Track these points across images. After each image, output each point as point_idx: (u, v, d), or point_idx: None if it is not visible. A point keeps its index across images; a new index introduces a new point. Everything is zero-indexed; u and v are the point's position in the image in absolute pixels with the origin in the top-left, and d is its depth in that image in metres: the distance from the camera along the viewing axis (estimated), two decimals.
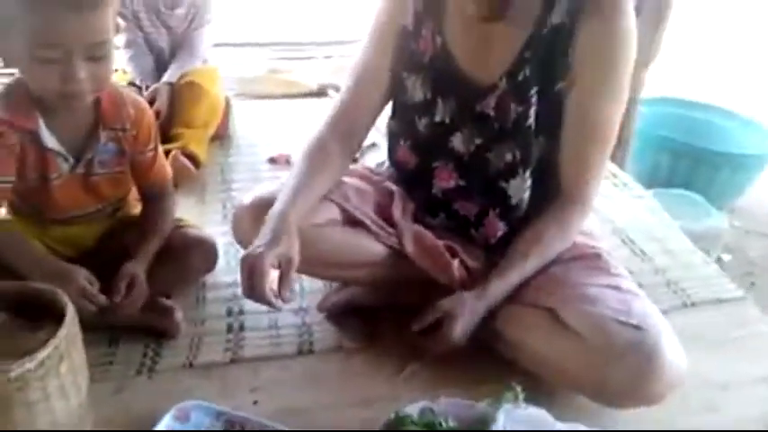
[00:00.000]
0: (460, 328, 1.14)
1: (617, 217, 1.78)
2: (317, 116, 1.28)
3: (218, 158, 2.07)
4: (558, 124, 1.15)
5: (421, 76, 1.21)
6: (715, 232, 2.12)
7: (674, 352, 1.03)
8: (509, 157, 1.18)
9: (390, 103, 1.29)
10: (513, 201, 1.20)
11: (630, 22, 1.08)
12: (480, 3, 1.08)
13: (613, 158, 2.33)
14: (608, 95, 1.12)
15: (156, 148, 1.31)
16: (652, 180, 2.51)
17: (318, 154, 1.23)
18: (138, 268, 1.21)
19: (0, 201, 1.23)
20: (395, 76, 1.24)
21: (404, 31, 1.20)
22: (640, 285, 1.21)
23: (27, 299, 1.03)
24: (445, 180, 1.26)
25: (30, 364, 0.88)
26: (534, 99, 1.12)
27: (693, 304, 1.44)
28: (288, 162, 2.02)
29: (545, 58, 1.10)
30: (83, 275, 1.15)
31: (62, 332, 0.93)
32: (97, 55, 1.08)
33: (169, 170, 1.39)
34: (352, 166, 1.50)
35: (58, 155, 1.20)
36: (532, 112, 1.13)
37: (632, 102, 2.43)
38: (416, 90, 1.22)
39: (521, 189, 1.19)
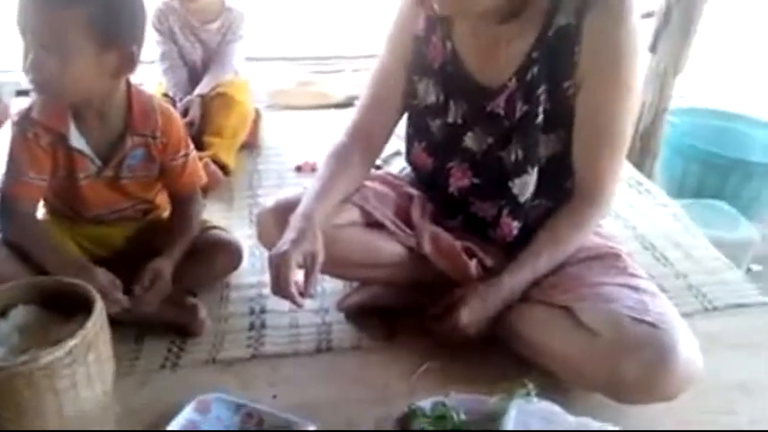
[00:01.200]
0: (467, 313, 1.17)
1: (639, 223, 1.78)
2: (342, 126, 1.32)
3: (246, 166, 2.13)
4: (569, 122, 1.17)
5: (432, 79, 1.24)
6: (745, 242, 2.08)
7: (689, 349, 1.02)
8: (518, 154, 1.19)
9: None
10: (521, 199, 1.22)
11: (635, 20, 1.09)
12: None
13: (642, 168, 2.33)
14: (616, 93, 1.13)
15: (187, 155, 1.36)
16: (682, 190, 2.48)
17: (340, 159, 1.27)
18: (163, 265, 1.26)
19: (37, 198, 1.30)
20: (410, 82, 1.27)
21: (416, 38, 1.24)
22: (662, 289, 1.21)
23: (60, 293, 1.08)
24: (460, 179, 1.28)
25: (59, 352, 0.93)
26: (543, 98, 1.14)
27: (715, 308, 1.43)
28: (313, 170, 2.06)
29: (553, 57, 1.12)
30: (102, 275, 1.20)
31: (89, 323, 0.97)
32: (49, 49, 1.11)
33: (201, 175, 1.44)
34: (373, 172, 1.53)
35: (85, 156, 1.26)
36: (540, 110, 1.15)
37: (661, 111, 2.43)
38: (429, 93, 1.25)
39: (527, 186, 1.21)
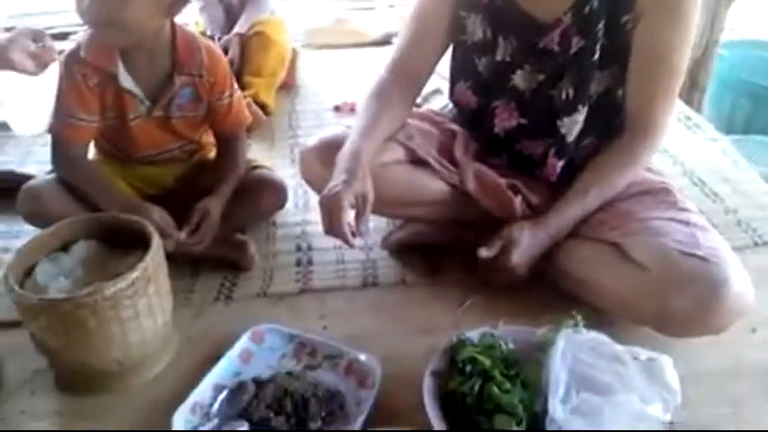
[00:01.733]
0: (518, 254, 1.16)
1: (688, 159, 1.73)
2: (380, 65, 1.30)
3: (285, 107, 2.13)
4: (625, 57, 1.13)
5: (480, 15, 1.20)
6: None
7: (740, 283, 1.01)
8: (569, 92, 1.17)
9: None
10: (569, 138, 1.20)
11: None
12: None
13: (690, 102, 2.25)
14: (675, 27, 1.09)
15: (232, 95, 1.37)
16: (730, 126, 2.40)
17: (381, 97, 1.25)
18: (211, 204, 1.28)
19: (88, 139, 1.32)
20: (454, 18, 1.23)
21: None
22: (711, 225, 1.18)
23: (117, 229, 1.12)
24: (506, 119, 1.26)
25: (122, 283, 0.97)
26: (601, 33, 1.11)
27: (765, 243, 1.40)
28: (352, 110, 2.06)
29: None
30: (157, 212, 1.23)
31: (149, 256, 1.02)
32: None
33: (247, 114, 1.45)
34: (415, 110, 1.52)
35: (134, 96, 1.28)
36: (598, 47, 1.12)
37: (712, 43, 2.33)
38: (476, 29, 1.22)
39: (575, 125, 1.19)
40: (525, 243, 1.17)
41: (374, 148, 1.19)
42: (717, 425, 0.99)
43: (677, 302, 1.01)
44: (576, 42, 1.13)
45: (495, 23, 1.19)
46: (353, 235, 1.12)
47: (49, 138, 1.32)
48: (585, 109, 1.17)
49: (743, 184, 1.62)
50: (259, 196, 1.42)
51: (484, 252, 1.19)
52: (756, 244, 1.40)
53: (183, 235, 1.24)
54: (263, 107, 1.98)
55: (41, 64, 1.35)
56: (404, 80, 1.27)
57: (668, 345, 1.07)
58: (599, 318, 1.11)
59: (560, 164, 1.23)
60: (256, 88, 2.00)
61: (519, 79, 1.22)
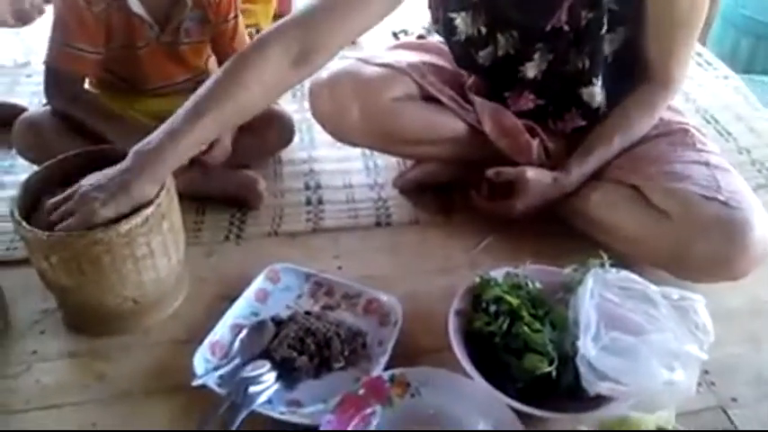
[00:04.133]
0: (523, 204, 1.17)
1: (700, 96, 1.71)
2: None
3: None
4: (634, 14, 1.09)
5: (470, 13, 1.15)
6: None
7: (762, 228, 1.00)
8: (580, 64, 1.14)
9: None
10: (594, 104, 1.18)
11: None
12: None
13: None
14: None
15: (236, 16, 1.30)
16: (731, 65, 2.36)
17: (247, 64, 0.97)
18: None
19: (88, 71, 1.25)
20: (446, 19, 1.18)
21: None
22: None
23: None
24: (523, 104, 1.23)
25: (136, 220, 0.93)
26: (606, 3, 1.06)
27: None
28: (353, 42, 1.98)
29: None
30: None
31: (163, 191, 0.97)
32: None
33: (248, 40, 1.38)
34: (425, 41, 1.46)
35: (144, 22, 1.20)
36: (605, 19, 1.08)
37: None
38: (467, 27, 1.17)
39: (595, 94, 1.16)
40: (537, 198, 1.16)
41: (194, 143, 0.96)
42: (741, 362, 1.00)
43: (698, 249, 1.00)
44: (585, 15, 1.08)
45: (488, 21, 1.14)
46: None
47: (34, 68, 1.24)
48: (599, 79, 1.14)
49: (755, 122, 1.61)
50: (266, 130, 1.36)
51: (490, 172, 1.19)
52: None
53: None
54: None
55: (25, 19, 1.27)
56: (301, 45, 0.98)
57: (687, 286, 1.06)
58: (617, 258, 1.09)
59: (582, 122, 1.21)
60: (256, 17, 1.89)
61: (530, 70, 1.17)
